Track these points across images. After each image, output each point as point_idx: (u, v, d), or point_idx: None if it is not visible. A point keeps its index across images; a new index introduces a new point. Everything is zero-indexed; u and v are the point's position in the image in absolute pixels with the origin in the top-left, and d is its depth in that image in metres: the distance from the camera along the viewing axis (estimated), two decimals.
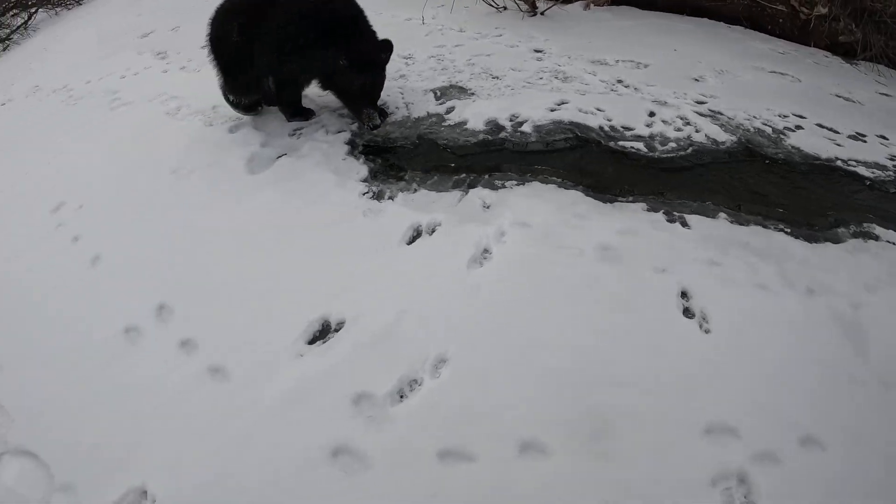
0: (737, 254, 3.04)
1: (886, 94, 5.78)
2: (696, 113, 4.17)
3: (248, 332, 2.86)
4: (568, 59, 4.98)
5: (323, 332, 2.79)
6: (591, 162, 3.70)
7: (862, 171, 4.00)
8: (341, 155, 3.79)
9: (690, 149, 3.83)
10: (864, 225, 3.46)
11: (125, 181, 4.03)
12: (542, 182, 3.43)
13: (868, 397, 2.53)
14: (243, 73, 4.11)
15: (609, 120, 4.00)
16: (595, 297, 2.76)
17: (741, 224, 3.27)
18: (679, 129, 3.97)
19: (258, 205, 3.53)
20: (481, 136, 3.89)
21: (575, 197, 3.29)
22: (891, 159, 4.27)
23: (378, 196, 3.43)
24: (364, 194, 3.44)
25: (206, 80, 5.18)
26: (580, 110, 4.05)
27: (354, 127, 4.06)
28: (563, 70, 4.69)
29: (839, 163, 4.04)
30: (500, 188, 3.40)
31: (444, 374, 2.52)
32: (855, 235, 3.37)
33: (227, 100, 4.33)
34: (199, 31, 6.71)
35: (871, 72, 6.41)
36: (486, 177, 3.51)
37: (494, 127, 3.95)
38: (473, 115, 4.07)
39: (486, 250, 2.98)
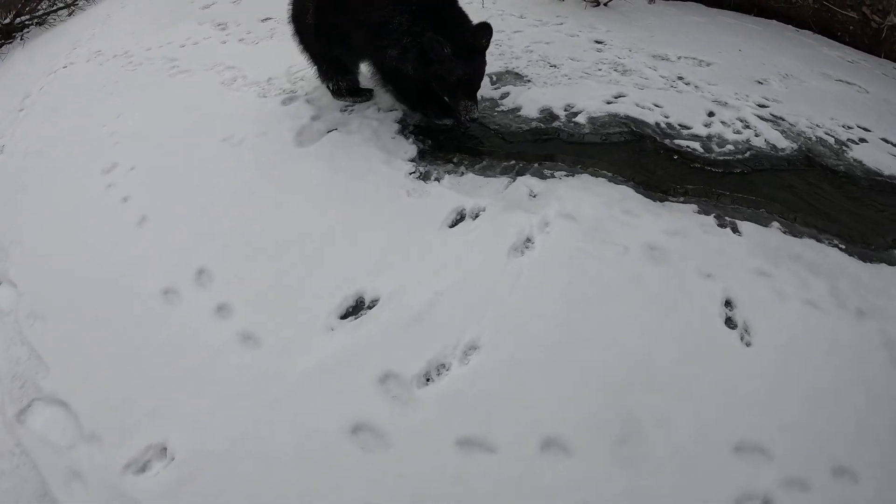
0: (788, 266, 2.93)
1: None
2: (757, 116, 4.04)
3: (283, 302, 2.87)
4: (629, 52, 4.88)
5: (356, 308, 2.79)
6: (644, 158, 3.61)
7: None
8: (391, 133, 3.77)
9: (748, 153, 3.71)
10: None
11: (177, 146, 4.09)
12: (592, 175, 3.36)
13: None
14: (326, 56, 4.02)
15: (666, 117, 3.90)
16: (637, 296, 2.69)
17: (795, 235, 3.15)
18: (738, 132, 3.85)
19: (305, 177, 3.53)
20: (534, 124, 3.82)
21: (625, 192, 3.22)
22: None
23: (424, 177, 3.40)
24: (411, 174, 3.41)
25: (263, 52, 5.31)
26: (637, 105, 3.96)
27: (406, 106, 4.02)
28: (622, 63, 4.59)
29: None
30: (549, 178, 3.34)
31: (473, 362, 2.50)
32: None
33: (328, 88, 4.23)
34: (260, 3, 6.86)
35: None
36: (536, 165, 3.45)
37: (548, 115, 3.88)
38: (528, 102, 4.00)
39: (528, 239, 2.93)
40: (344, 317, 2.76)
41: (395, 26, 3.45)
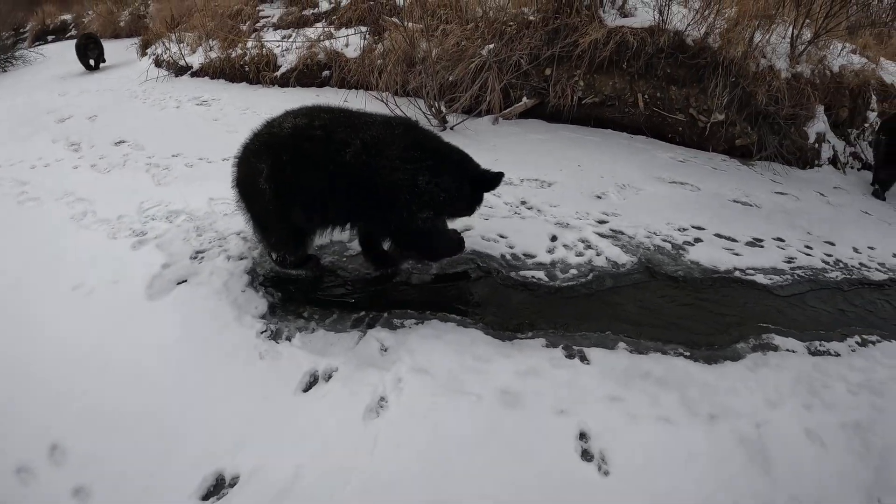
0: (638, 386, 3.07)
1: (782, 193, 6.15)
2: (598, 234, 4.29)
3: (143, 483, 2.66)
4: None
5: (217, 488, 2.63)
6: (492, 294, 3.71)
7: (760, 279, 4.21)
8: (241, 285, 3.70)
9: (591, 274, 3.91)
10: (764, 337, 3.59)
11: (23, 294, 3.83)
12: (441, 320, 3.41)
13: None
14: (284, 225, 3.58)
15: (511, 247, 4.06)
16: (494, 446, 2.71)
17: (641, 352, 3.31)
18: (580, 254, 4.07)
19: (159, 336, 3.36)
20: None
21: (475, 336, 3.28)
22: (788, 262, 4.52)
23: (276, 335, 3.32)
24: (262, 333, 3.34)
25: (115, 183, 5.22)
26: (483, 238, 4.10)
27: (255, 254, 3.99)
28: None
29: (737, 273, 4.22)
30: (399, 328, 3.36)
31: None
32: (755, 349, 3.48)
33: (270, 257, 3.90)
34: (115, 123, 6.77)
35: (766, 171, 6.84)
36: (385, 315, 3.46)
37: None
38: None
39: (382, 398, 2.91)
40: (205, 497, 2.60)
41: (423, 186, 3.41)
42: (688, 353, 3.36)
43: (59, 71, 12.96)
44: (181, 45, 10.40)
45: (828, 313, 4.03)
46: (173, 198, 4.87)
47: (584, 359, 3.22)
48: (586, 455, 2.72)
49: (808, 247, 4.89)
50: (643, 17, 7.16)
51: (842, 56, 7.92)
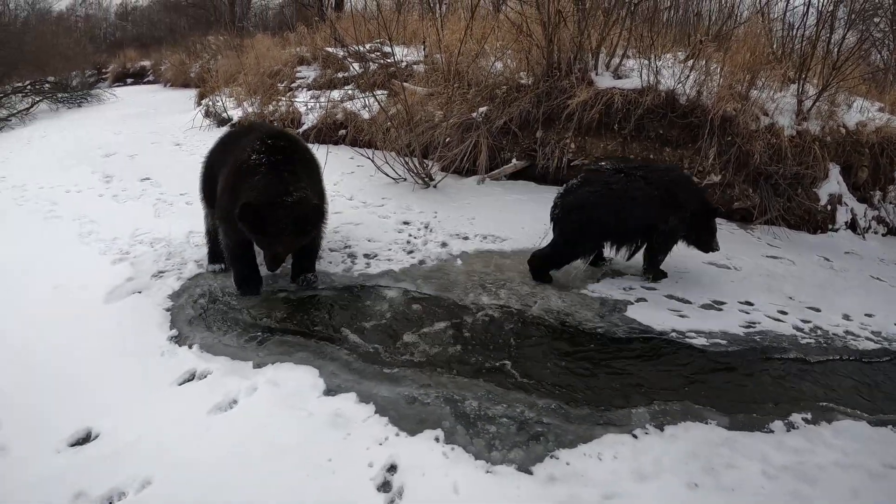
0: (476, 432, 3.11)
1: (774, 257, 5.88)
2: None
3: (32, 422, 3.22)
4: (427, 231, 5.56)
5: (84, 440, 3.11)
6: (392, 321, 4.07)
7: (699, 342, 4.01)
8: (178, 300, 4.38)
9: None
10: (672, 403, 3.38)
11: (20, 283, 4.72)
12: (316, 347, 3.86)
13: None
14: None
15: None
16: (302, 458, 2.89)
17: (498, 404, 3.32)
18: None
19: (97, 328, 4.03)
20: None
21: (336, 366, 3.63)
22: (746, 326, 4.29)
23: (182, 340, 3.86)
24: (174, 337, 3.91)
25: (124, 212, 6.16)
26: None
27: (211, 277, 4.66)
28: (415, 242, 5.21)
29: (673, 335, 4.08)
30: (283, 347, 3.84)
31: (145, 493, 2.76)
32: (655, 417, 3.27)
33: None
34: (149, 161, 7.71)
35: (766, 235, 6.51)
36: (277, 336, 3.94)
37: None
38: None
39: (234, 401, 3.29)
40: (73, 444, 3.08)
41: None
42: (562, 411, 3.26)
43: (123, 111, 14.41)
44: (228, 98, 11.15)
45: (776, 384, 3.75)
46: (162, 228, 5.68)
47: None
48: (385, 487, 2.77)
49: (781, 312, 4.59)
50: (636, 80, 7.15)
51: (862, 112, 7.31)
